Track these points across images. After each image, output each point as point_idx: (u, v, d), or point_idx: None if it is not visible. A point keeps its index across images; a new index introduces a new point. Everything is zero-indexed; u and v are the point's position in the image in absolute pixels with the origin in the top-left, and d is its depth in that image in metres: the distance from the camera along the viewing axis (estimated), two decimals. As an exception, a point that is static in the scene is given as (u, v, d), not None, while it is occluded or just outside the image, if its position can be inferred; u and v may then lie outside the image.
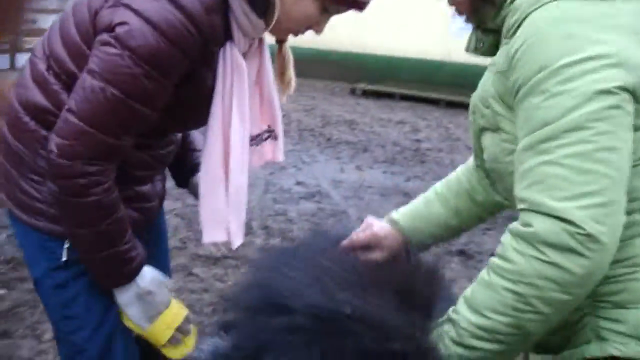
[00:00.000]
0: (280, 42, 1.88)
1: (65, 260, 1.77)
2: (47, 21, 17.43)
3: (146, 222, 1.93)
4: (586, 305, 1.28)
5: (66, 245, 1.76)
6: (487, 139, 1.42)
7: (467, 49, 1.56)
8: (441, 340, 1.20)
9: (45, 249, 1.78)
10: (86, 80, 1.54)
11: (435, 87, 13.05)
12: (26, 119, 1.71)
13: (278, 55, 1.90)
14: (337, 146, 8.30)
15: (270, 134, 1.96)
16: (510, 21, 1.31)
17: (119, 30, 1.52)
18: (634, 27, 1.21)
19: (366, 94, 12.91)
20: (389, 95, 12.70)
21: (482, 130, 1.43)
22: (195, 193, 1.98)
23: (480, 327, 1.20)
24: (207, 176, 1.78)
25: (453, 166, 7.16)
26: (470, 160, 1.70)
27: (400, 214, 1.77)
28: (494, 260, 1.23)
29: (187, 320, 1.87)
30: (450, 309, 1.26)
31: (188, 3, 1.52)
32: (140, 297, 1.76)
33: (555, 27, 1.20)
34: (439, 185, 1.79)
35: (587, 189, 1.13)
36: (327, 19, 1.71)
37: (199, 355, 0.95)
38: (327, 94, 12.54)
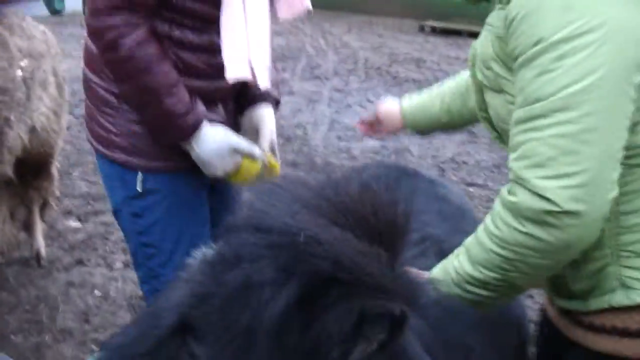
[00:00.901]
0: None
1: (141, 191, 1.89)
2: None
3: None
4: (608, 254, 1.32)
5: (140, 177, 1.89)
6: (492, 98, 1.42)
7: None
8: (446, 275, 1.34)
9: (122, 179, 1.92)
10: None
11: (506, 23, 12.76)
12: (92, 46, 1.86)
13: None
14: (404, 84, 8.28)
15: None
16: None
17: None
18: None
19: (434, 31, 12.73)
20: (457, 33, 12.50)
21: (484, 87, 1.43)
22: (243, 127, 2.06)
23: (474, 278, 1.30)
24: (227, 10, 1.79)
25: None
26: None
27: (408, 101, 2.00)
28: (487, 221, 1.31)
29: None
30: (455, 252, 1.37)
31: None
32: (201, 159, 1.83)
33: None
34: (447, 81, 1.92)
35: (571, 170, 1.16)
36: None
37: (189, 261, 1.11)
38: (395, 31, 12.42)
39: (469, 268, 1.31)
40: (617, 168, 1.20)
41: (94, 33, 1.76)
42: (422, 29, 12.88)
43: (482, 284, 1.30)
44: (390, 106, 1.97)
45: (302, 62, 9.29)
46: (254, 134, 2.02)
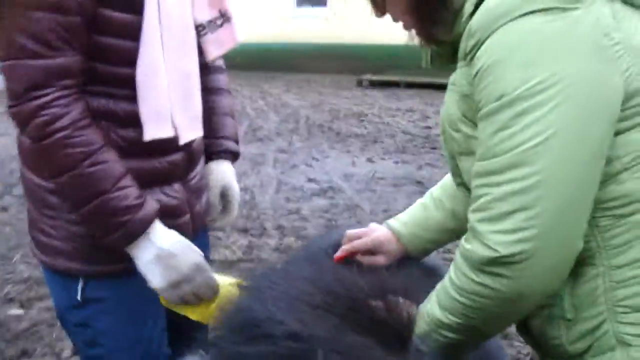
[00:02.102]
0: None
1: (82, 300, 1.70)
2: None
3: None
4: (604, 311, 1.27)
5: (80, 285, 1.69)
6: (464, 162, 1.37)
7: (424, 65, 1.54)
8: (421, 318, 1.29)
9: (64, 287, 1.73)
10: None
11: (441, 72, 13.01)
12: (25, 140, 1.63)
13: None
14: (347, 139, 8.29)
15: (223, 18, 1.79)
16: (467, 44, 1.25)
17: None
18: (595, 41, 1.16)
19: (373, 84, 12.89)
20: (396, 84, 12.66)
21: (456, 153, 1.39)
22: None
23: (442, 322, 1.28)
24: (144, 62, 1.57)
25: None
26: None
27: (398, 221, 1.76)
28: (450, 269, 1.28)
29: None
30: (429, 295, 1.33)
31: None
32: (159, 258, 1.56)
33: (513, 54, 1.15)
34: (434, 190, 1.77)
35: (524, 224, 1.14)
36: None
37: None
38: (334, 87, 12.53)
39: (437, 313, 1.29)
40: (581, 221, 1.18)
41: (19, 121, 1.48)
42: (360, 83, 13.02)
43: (450, 328, 1.28)
44: (379, 233, 1.75)
45: (244, 124, 9.23)
46: (213, 196, 1.89)
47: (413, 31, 1.45)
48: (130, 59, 1.55)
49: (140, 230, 1.54)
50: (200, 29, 1.71)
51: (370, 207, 5.69)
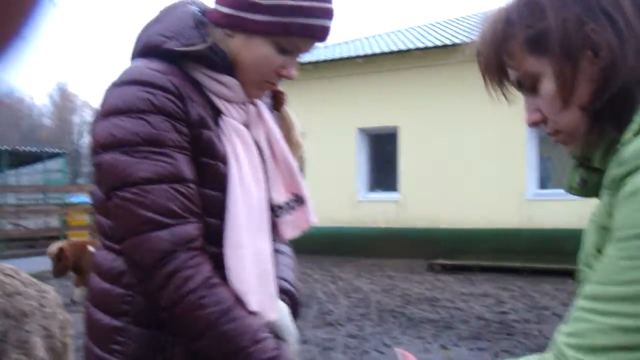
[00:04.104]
0: (277, 107, 1.84)
1: None
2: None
3: None
4: None
5: None
6: None
7: (567, 189, 1.43)
8: None
9: None
10: (109, 204, 1.51)
11: (515, 256, 12.81)
12: (100, 315, 1.64)
13: (280, 120, 1.85)
14: (419, 325, 8.04)
15: (297, 200, 1.82)
16: (616, 172, 1.17)
17: (101, 140, 1.50)
18: None
19: (445, 269, 12.71)
20: (468, 269, 12.46)
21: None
22: None
23: None
24: (231, 240, 1.59)
25: (543, 337, 6.84)
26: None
27: None
28: None
29: None
30: None
31: (139, 75, 1.52)
32: None
33: None
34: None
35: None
36: (293, 59, 1.62)
37: None
38: (405, 272, 12.38)
39: None
40: None
41: (151, 292, 1.48)
42: (431, 267, 12.86)
43: None
44: None
45: (314, 308, 9.10)
46: None
47: (566, 147, 1.33)
48: (216, 237, 1.58)
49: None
50: (276, 210, 1.75)
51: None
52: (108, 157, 1.49)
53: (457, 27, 16.78)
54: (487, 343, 7.12)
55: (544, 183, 14.29)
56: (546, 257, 12.65)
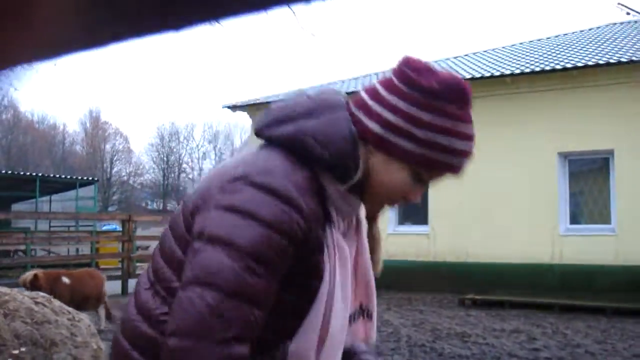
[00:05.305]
0: (371, 220, 1.78)
1: None
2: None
3: None
4: None
5: None
6: None
7: None
8: None
9: None
10: (186, 294, 1.43)
11: (547, 292, 12.64)
12: (135, 354, 1.60)
13: (368, 234, 1.79)
14: (451, 361, 7.92)
15: (363, 312, 1.79)
16: None
17: (212, 230, 1.43)
18: None
19: (475, 304, 12.56)
20: (499, 304, 12.30)
21: None
22: None
23: None
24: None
25: (578, 377, 6.63)
26: None
27: None
28: None
29: None
30: None
31: (281, 187, 1.44)
32: None
33: None
34: None
35: None
36: (422, 187, 1.60)
37: None
38: (436, 306, 12.25)
39: None
40: None
41: None
42: (462, 302, 12.72)
43: None
44: None
45: (343, 342, 8.98)
46: None
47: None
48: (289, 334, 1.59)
49: None
50: None
51: None
52: (209, 249, 1.43)
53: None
54: (519, 381, 6.99)
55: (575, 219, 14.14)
56: (578, 293, 12.47)
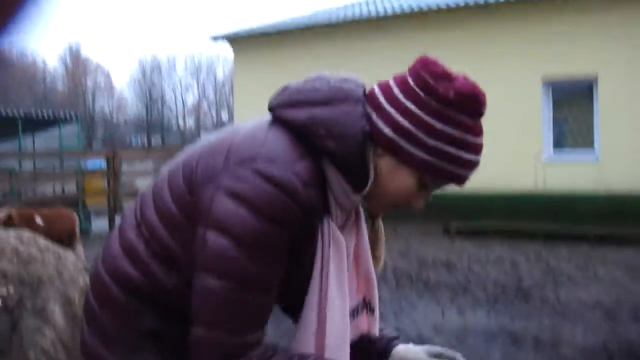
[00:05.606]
0: (373, 217, 1.80)
1: None
2: (144, 183, 18.25)
3: None
4: None
5: None
6: None
7: None
8: None
9: None
10: (198, 282, 1.49)
11: (530, 220, 12.78)
12: (115, 290, 1.63)
13: (370, 231, 1.81)
14: (437, 290, 8.06)
15: (366, 306, 1.82)
16: None
17: (219, 217, 1.46)
18: None
19: (460, 233, 12.70)
20: (483, 233, 12.45)
21: None
22: None
23: None
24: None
25: (559, 302, 6.81)
26: None
27: None
28: None
29: None
30: None
31: (284, 179, 1.45)
32: None
33: None
34: None
35: None
36: (426, 194, 1.62)
37: None
38: (421, 236, 12.38)
39: None
40: None
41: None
42: (447, 231, 12.86)
43: None
44: None
45: (330, 273, 9.09)
46: None
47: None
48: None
49: None
50: None
51: None
52: (218, 238, 1.46)
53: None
54: (503, 308, 7.13)
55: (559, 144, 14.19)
56: (562, 221, 12.63)
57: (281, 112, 1.57)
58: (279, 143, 1.51)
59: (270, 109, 1.60)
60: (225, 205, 1.45)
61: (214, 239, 1.45)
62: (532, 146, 13.93)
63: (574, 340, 5.84)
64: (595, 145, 13.52)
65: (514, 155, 13.87)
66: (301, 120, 1.52)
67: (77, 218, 9.70)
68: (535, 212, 13.25)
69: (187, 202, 1.54)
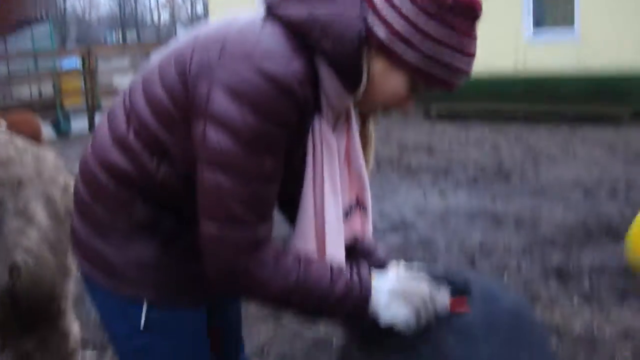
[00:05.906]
0: (364, 119, 1.81)
1: (144, 326, 1.70)
2: (122, 80, 17.91)
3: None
4: None
5: (144, 311, 1.69)
6: None
7: None
8: None
9: (124, 313, 1.72)
10: (202, 177, 1.51)
11: (511, 100, 12.80)
12: (104, 179, 1.65)
13: (360, 132, 1.81)
14: (418, 173, 8.15)
15: (359, 205, 1.84)
16: None
17: (217, 113, 1.46)
18: None
19: (440, 116, 12.74)
20: (464, 115, 12.49)
21: None
22: None
23: None
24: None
25: (538, 181, 6.92)
26: None
27: None
28: None
29: None
30: None
31: (281, 76, 1.44)
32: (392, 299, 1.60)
33: None
34: None
35: None
36: (415, 97, 1.61)
37: None
38: (401, 120, 12.38)
39: None
40: None
41: (238, 286, 1.57)
42: (428, 115, 12.89)
43: None
44: None
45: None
46: None
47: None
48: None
49: (365, 301, 1.59)
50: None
51: (445, 243, 5.52)
52: (218, 133, 1.46)
53: None
54: (484, 188, 7.24)
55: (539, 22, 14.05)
56: (542, 101, 12.66)
57: (280, 7, 1.53)
58: (275, 40, 1.49)
59: (268, 7, 1.56)
60: (223, 101, 1.45)
61: (214, 134, 1.46)
62: (513, 27, 13.79)
63: (554, 219, 5.97)
64: (576, 25, 13.39)
65: (495, 36, 13.73)
66: (301, 18, 1.50)
67: (40, 124, 9.60)
68: (516, 94, 13.25)
69: (181, 95, 1.53)
